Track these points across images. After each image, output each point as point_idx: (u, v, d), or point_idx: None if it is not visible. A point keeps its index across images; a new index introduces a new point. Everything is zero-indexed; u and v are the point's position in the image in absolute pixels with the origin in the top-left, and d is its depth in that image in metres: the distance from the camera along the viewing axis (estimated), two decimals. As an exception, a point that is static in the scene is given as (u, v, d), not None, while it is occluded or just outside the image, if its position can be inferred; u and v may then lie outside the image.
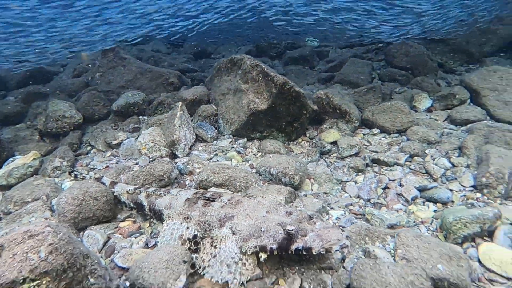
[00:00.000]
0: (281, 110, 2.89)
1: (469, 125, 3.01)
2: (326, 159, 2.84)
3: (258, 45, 5.85)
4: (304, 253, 1.61)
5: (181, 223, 1.89)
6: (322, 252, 1.59)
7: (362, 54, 4.93)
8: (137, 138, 2.89)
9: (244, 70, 2.99)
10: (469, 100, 3.42)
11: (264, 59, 5.74)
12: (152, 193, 2.09)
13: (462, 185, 2.36)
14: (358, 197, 2.38)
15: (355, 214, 2.19)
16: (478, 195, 2.25)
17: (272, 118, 2.91)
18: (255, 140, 2.98)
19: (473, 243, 1.89)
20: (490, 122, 2.93)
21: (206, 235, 1.81)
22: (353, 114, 3.15)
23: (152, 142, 2.72)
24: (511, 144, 2.49)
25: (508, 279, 1.66)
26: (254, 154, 2.82)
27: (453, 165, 2.55)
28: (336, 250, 1.61)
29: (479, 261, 1.77)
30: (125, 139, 2.98)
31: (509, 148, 2.47)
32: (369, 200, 2.33)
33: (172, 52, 5.88)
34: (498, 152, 2.38)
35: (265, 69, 2.86)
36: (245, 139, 2.99)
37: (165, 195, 2.05)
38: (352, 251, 1.83)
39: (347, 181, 2.54)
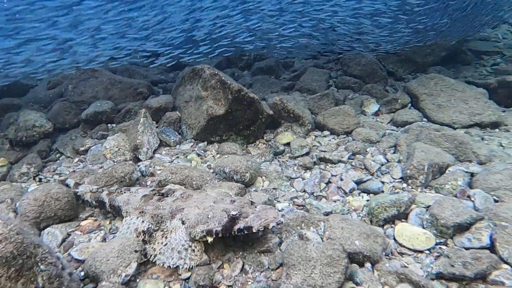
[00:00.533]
0: (238, 115, 3.16)
1: (406, 126, 3.38)
2: (280, 159, 3.12)
3: (228, 57, 6.15)
4: (246, 232, 1.84)
5: (137, 217, 2.09)
6: (260, 229, 1.83)
7: (323, 64, 5.32)
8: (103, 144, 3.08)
9: (204, 79, 3.26)
10: (410, 104, 3.82)
11: (234, 70, 6.06)
12: (114, 191, 2.28)
13: (392, 177, 2.68)
14: (304, 191, 2.66)
15: (297, 205, 2.45)
16: (404, 185, 2.57)
17: (230, 123, 3.18)
18: (215, 143, 3.23)
19: (392, 224, 2.18)
20: (422, 122, 3.31)
21: (158, 227, 2.02)
22: (306, 118, 3.45)
23: (117, 147, 2.91)
24: (435, 140, 2.85)
25: (414, 251, 1.95)
26: (213, 156, 3.06)
27: (388, 161, 2.88)
28: (273, 227, 1.85)
29: (394, 239, 2.06)
30: (93, 146, 3.15)
31: (433, 144, 2.82)
32: (312, 193, 2.60)
33: (148, 65, 6.06)
34: (423, 148, 2.72)
35: (223, 78, 3.14)
36: (205, 142, 3.23)
37: (124, 192, 2.24)
38: (289, 236, 2.08)
39: (295, 178, 2.82)
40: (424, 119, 3.59)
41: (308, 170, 2.90)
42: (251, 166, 2.65)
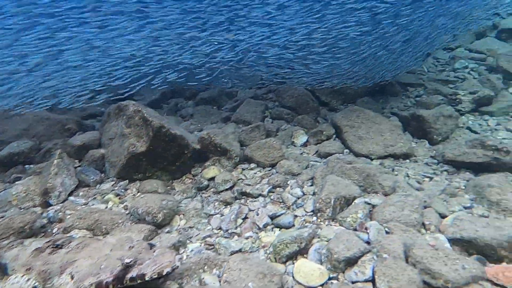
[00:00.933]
0: (161, 151, 3.22)
1: (328, 158, 3.64)
2: (203, 194, 3.19)
3: (173, 87, 6.27)
4: (139, 280, 1.85)
5: (22, 276, 2.00)
6: (154, 276, 1.85)
7: (263, 94, 5.62)
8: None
9: (128, 116, 3.31)
10: (334, 136, 4.13)
11: (179, 100, 6.17)
12: (5, 246, 2.18)
13: (305, 211, 2.85)
14: (220, 228, 2.73)
15: (209, 245, 2.51)
16: (314, 218, 2.75)
17: (153, 159, 3.22)
18: (137, 181, 3.24)
19: (294, 261, 2.31)
20: (340, 155, 3.58)
21: (44, 285, 1.95)
22: (234, 151, 3.60)
23: (25, 192, 2.81)
24: (346, 173, 3.10)
25: (308, 287, 2.07)
26: (133, 195, 3.06)
27: (304, 194, 3.07)
28: (168, 273, 1.88)
29: (293, 276, 2.18)
30: (1, 191, 3.01)
31: (344, 177, 3.07)
32: (227, 230, 2.69)
33: (93, 97, 5.89)
34: (333, 181, 2.95)
35: (145, 115, 3.21)
36: (127, 180, 3.23)
37: (16, 246, 2.16)
38: (190, 281, 2.12)
39: (214, 214, 2.89)
40: (346, 150, 3.89)
41: (228, 206, 2.99)
42: (166, 205, 2.70)
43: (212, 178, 3.33)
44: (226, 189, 3.18)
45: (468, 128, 4.22)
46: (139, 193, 3.06)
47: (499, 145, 3.06)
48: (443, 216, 2.61)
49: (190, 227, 2.71)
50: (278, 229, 2.68)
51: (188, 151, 3.39)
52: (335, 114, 4.26)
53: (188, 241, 2.52)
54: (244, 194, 3.11)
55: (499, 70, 5.49)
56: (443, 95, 5.20)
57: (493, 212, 2.58)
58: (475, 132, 4.14)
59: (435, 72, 6.34)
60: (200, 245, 2.48)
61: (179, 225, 2.72)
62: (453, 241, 2.31)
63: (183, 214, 2.83)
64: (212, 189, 3.25)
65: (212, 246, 2.47)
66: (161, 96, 6.21)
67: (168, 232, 2.59)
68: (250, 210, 2.90)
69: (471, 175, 3.14)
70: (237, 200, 3.06)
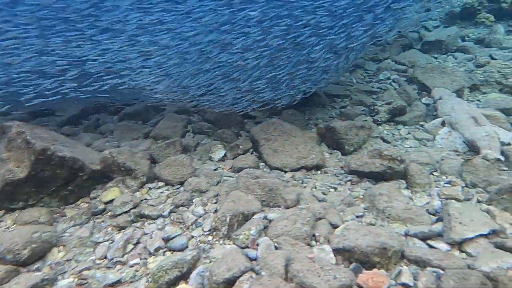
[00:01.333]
0: (48, 176, 2.98)
1: (240, 172, 3.64)
2: (97, 220, 3.00)
3: (99, 101, 5.98)
4: None
5: None
6: None
7: (191, 107, 5.57)
8: None
9: (10, 138, 3.03)
10: (252, 149, 4.17)
11: (102, 115, 5.88)
12: None
13: (203, 230, 2.79)
14: (105, 257, 2.56)
15: (82, 279, 2.32)
16: (210, 237, 2.70)
17: (38, 185, 2.97)
18: (16, 211, 2.95)
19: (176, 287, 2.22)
20: (250, 169, 3.60)
21: None
22: (139, 170, 3.45)
23: None
24: (249, 188, 3.11)
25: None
26: (7, 228, 2.77)
27: (206, 212, 3.01)
28: None
29: (169, 304, 2.08)
30: None
31: (248, 192, 3.07)
32: (112, 259, 2.52)
33: (9, 112, 5.37)
34: (235, 197, 2.94)
35: (27, 137, 2.97)
36: (3, 211, 2.93)
37: None
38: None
39: (102, 242, 2.71)
40: (262, 164, 3.94)
41: (122, 230, 2.83)
42: (39, 238, 2.47)
43: (111, 201, 3.15)
44: (125, 212, 3.01)
45: (381, 138, 4.51)
46: (14, 225, 2.78)
47: (394, 155, 3.29)
48: (335, 227, 2.70)
49: (68, 260, 2.49)
50: (171, 252, 2.58)
51: (84, 173, 3.19)
52: (253, 128, 4.32)
53: (60, 277, 2.31)
54: (143, 216, 2.97)
55: (415, 81, 6.03)
56: (365, 106, 5.55)
57: (379, 220, 2.73)
58: (387, 142, 4.44)
59: (363, 83, 6.77)
60: (73, 281, 2.29)
61: (54, 259, 2.49)
62: (336, 251, 2.38)
63: (63, 245, 2.61)
64: (109, 213, 3.06)
65: (85, 280, 2.29)
66: (81, 112, 5.87)
67: (36, 269, 2.35)
68: (144, 233, 2.77)
69: (370, 184, 3.32)
70: (134, 224, 2.91)
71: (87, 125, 5.48)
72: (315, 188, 3.40)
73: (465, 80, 5.65)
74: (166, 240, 2.67)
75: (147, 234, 2.76)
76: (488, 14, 7.67)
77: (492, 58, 6.37)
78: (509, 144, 3.76)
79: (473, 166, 3.12)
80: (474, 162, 3.13)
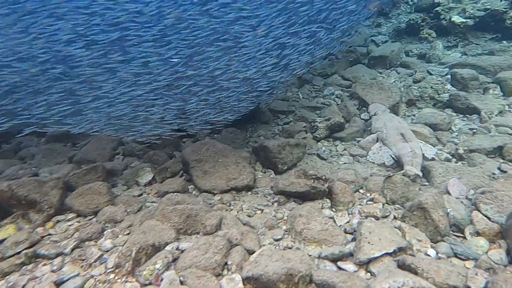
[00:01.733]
0: None
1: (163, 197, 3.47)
2: (-20, 264, 2.65)
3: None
4: None
5: None
6: None
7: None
8: None
9: None
10: (181, 172, 4.03)
11: (28, 137, 5.45)
12: None
13: (106, 268, 2.56)
14: (-21, 311, 2.24)
15: None
16: (112, 276, 2.47)
17: None
18: None
19: None
20: (172, 194, 3.42)
21: None
22: (46, 202, 3.16)
23: None
24: (166, 216, 2.93)
25: None
26: None
27: (114, 246, 2.79)
28: None
29: None
30: None
31: (164, 221, 2.90)
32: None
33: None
34: (146, 227, 2.75)
35: None
36: None
37: None
38: None
39: (-24, 293, 2.39)
40: (191, 186, 3.80)
41: (6, 277, 2.52)
42: None
43: (2, 241, 2.82)
44: (16, 254, 2.70)
45: (318, 155, 4.56)
46: None
47: (318, 174, 3.30)
48: (251, 253, 2.61)
49: None
50: (57, 298, 2.32)
51: (-27, 208, 2.85)
52: (184, 149, 4.19)
53: None
54: (39, 256, 2.68)
55: (355, 97, 6.27)
56: (307, 122, 5.64)
57: (297, 242, 2.68)
58: (323, 159, 4.50)
59: (309, 99, 6.93)
60: None
61: None
62: (246, 280, 2.27)
63: None
64: (-1, 255, 2.73)
65: None
66: (3, 134, 5.40)
67: None
68: (34, 277, 2.47)
69: (296, 204, 3.30)
70: (25, 266, 2.60)
71: (6, 150, 5.02)
72: (242, 210, 3.30)
73: (400, 96, 5.98)
74: (58, 284, 2.40)
75: (37, 278, 2.47)
76: (431, 30, 8.19)
77: (430, 74, 6.77)
78: (432, 159, 3.97)
79: (393, 183, 3.21)
80: (393, 179, 3.22)
